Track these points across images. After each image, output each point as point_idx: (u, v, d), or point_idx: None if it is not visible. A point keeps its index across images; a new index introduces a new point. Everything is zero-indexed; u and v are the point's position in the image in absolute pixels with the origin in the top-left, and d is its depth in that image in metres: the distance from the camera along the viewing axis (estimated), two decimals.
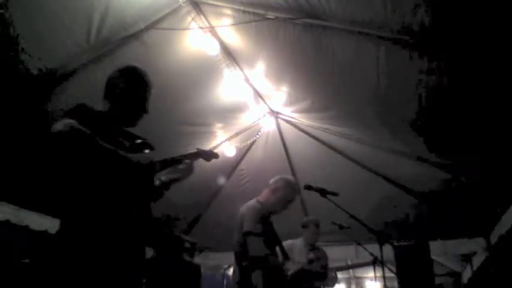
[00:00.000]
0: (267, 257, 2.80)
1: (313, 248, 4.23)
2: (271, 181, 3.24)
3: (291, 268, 3.12)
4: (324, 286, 4.08)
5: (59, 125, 1.60)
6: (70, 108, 1.78)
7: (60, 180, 1.73)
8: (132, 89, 1.96)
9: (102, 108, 1.93)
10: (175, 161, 2.12)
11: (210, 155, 2.41)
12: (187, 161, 2.12)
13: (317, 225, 4.23)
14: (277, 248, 3.16)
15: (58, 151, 1.70)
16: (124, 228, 1.70)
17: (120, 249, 1.67)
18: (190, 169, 2.12)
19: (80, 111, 1.76)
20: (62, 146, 1.64)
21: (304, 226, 4.27)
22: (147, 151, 1.98)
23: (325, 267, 4.18)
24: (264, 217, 2.97)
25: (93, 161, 1.67)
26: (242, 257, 2.85)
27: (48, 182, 3.27)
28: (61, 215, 1.69)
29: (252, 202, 3.08)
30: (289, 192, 3.18)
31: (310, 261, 3.65)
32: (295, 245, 4.20)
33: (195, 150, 2.32)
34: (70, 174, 1.71)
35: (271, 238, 3.02)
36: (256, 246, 2.78)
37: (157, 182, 2.02)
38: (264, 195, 3.18)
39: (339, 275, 4.45)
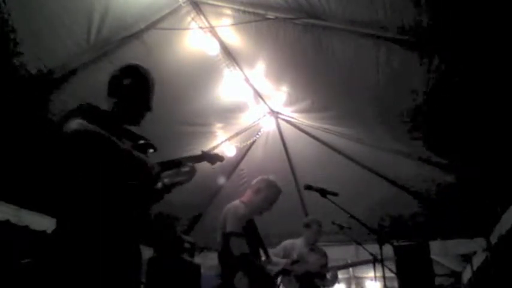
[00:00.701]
0: (249, 257, 2.83)
1: (313, 247, 4.23)
2: (254, 182, 3.27)
3: (273, 269, 3.15)
4: (323, 286, 4.09)
5: (73, 124, 1.60)
6: (76, 107, 1.78)
7: (61, 180, 1.73)
8: (136, 86, 1.96)
9: (106, 107, 1.93)
10: (176, 163, 2.11)
11: (214, 158, 2.39)
12: (190, 163, 2.11)
13: (320, 225, 4.24)
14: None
15: (71, 150, 1.70)
16: (123, 228, 1.70)
17: (119, 249, 1.67)
18: (192, 172, 2.09)
19: (86, 110, 1.76)
20: (77, 145, 1.64)
21: (307, 226, 4.27)
22: (151, 151, 1.98)
23: (324, 266, 4.18)
24: (247, 218, 3.00)
25: (109, 160, 1.68)
26: (225, 257, 2.87)
27: (49, 182, 3.26)
28: (60, 214, 1.68)
29: (235, 202, 3.11)
30: (272, 192, 3.20)
31: (294, 262, 3.67)
32: (295, 245, 4.20)
33: (200, 153, 2.31)
34: (71, 173, 1.71)
35: (254, 239, 3.05)
36: (239, 247, 2.81)
37: (159, 185, 2.01)
38: (248, 196, 3.20)
39: (339, 274, 4.45)
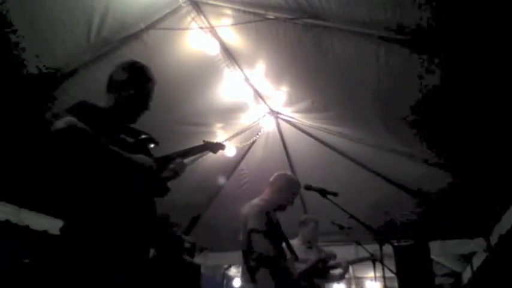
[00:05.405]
0: (272, 258, 2.80)
1: (311, 246, 4.23)
2: (272, 179, 3.27)
3: (300, 266, 3.16)
4: (321, 284, 4.09)
5: (60, 123, 1.58)
6: (71, 105, 1.77)
7: (61, 179, 1.73)
8: (135, 83, 1.95)
9: (105, 104, 1.92)
10: (170, 159, 2.10)
11: (216, 147, 2.41)
12: (179, 160, 2.09)
13: (316, 223, 4.23)
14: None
15: (58, 149, 1.69)
16: (128, 226, 1.70)
17: (126, 248, 1.67)
18: (179, 169, 2.06)
19: (82, 108, 1.75)
20: (62, 144, 1.62)
21: (303, 223, 4.27)
22: (151, 146, 1.98)
23: (325, 265, 4.19)
24: (268, 214, 2.98)
25: (94, 159, 1.66)
26: (249, 256, 2.86)
27: (49, 182, 3.27)
28: (64, 214, 1.68)
29: (255, 201, 3.11)
30: (293, 186, 3.23)
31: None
32: (292, 244, 4.20)
33: (202, 143, 2.32)
34: (70, 173, 1.70)
35: (278, 235, 3.02)
36: (261, 243, 2.79)
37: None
38: (267, 193, 3.20)
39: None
